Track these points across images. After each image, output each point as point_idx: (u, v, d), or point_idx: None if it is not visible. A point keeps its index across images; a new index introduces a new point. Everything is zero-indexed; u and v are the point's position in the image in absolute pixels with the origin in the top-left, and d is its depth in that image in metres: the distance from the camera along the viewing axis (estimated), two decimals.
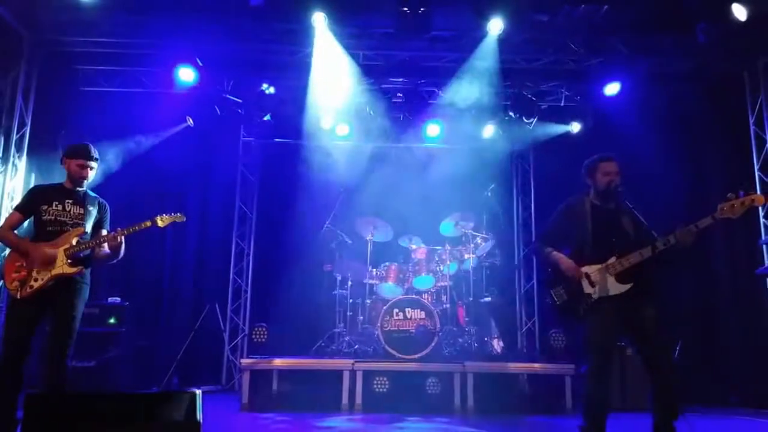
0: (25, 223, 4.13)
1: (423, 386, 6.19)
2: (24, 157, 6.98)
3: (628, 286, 3.79)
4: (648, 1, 6.47)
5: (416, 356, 6.23)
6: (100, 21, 6.83)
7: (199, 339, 7.84)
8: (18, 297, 3.86)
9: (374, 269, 7.22)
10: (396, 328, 6.36)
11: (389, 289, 7.02)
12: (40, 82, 7.19)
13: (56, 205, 4.05)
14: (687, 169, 7.79)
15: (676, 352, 6.20)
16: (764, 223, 7.04)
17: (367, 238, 7.34)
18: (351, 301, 7.14)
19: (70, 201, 4.10)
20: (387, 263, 7.24)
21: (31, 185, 6.59)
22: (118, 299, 6.78)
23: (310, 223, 7.85)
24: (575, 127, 8.24)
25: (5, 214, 6.43)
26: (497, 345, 7.04)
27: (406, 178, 8.17)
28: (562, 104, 8.25)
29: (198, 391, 3.30)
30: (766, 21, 6.30)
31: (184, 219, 4.31)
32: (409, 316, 6.40)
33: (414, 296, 6.74)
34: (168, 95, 7.84)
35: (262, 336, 6.63)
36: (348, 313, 7.08)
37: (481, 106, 7.85)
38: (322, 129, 8.22)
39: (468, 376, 6.14)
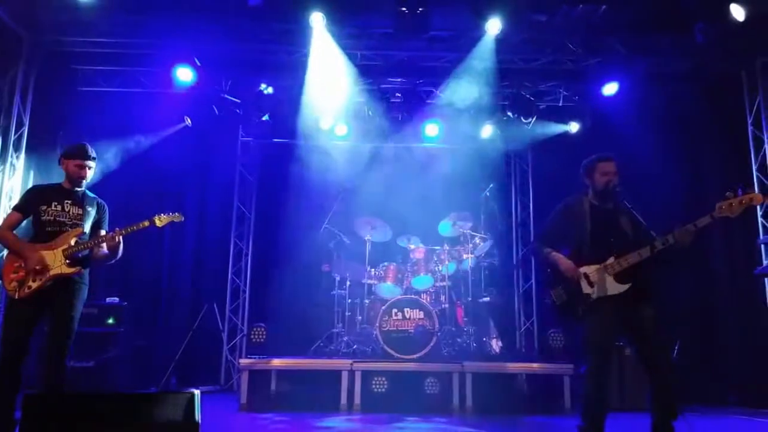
0: (23, 224, 4.13)
1: (421, 386, 6.20)
2: (22, 157, 6.98)
3: (626, 286, 3.79)
4: (646, 1, 6.47)
5: (415, 356, 6.23)
6: (99, 21, 6.83)
7: (198, 339, 7.84)
8: (16, 297, 3.85)
9: (373, 269, 7.22)
10: (395, 328, 6.36)
11: (388, 289, 7.02)
12: (38, 82, 7.18)
13: (55, 206, 4.05)
14: (685, 169, 7.80)
15: (675, 351, 6.21)
16: (762, 223, 7.05)
17: (366, 238, 7.35)
18: (349, 301, 7.14)
19: (69, 201, 4.10)
20: (385, 263, 7.24)
21: (30, 185, 6.59)
22: (117, 299, 6.77)
23: (308, 223, 7.85)
24: (573, 127, 8.26)
25: (3, 214, 6.43)
26: (496, 345, 7.05)
27: (405, 178, 8.17)
28: (560, 104, 8.26)
29: (196, 392, 3.30)
30: (764, 21, 6.31)
31: (183, 219, 4.31)
32: (407, 316, 6.40)
33: (412, 296, 6.74)
34: (166, 95, 7.83)
35: (260, 336, 6.62)
36: (346, 313, 7.08)
37: (480, 106, 7.85)
38: (320, 129, 8.22)
39: (466, 376, 6.14)
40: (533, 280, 8.73)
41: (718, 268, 7.55)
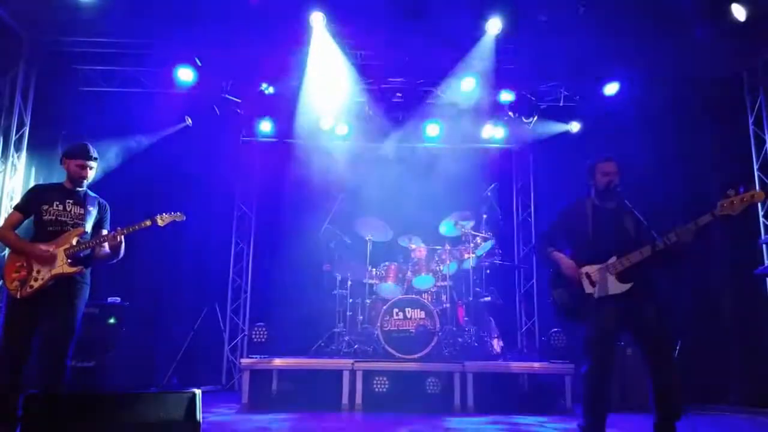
0: (24, 224, 4.13)
1: (423, 386, 6.20)
2: (23, 157, 6.98)
3: (628, 286, 3.80)
4: (647, 0, 6.46)
5: (416, 356, 6.23)
6: (100, 21, 6.82)
7: (199, 339, 7.86)
8: (18, 297, 3.86)
9: (374, 269, 7.22)
10: (396, 328, 6.36)
11: (389, 289, 7.02)
12: (39, 82, 7.18)
13: (57, 205, 4.05)
14: (686, 169, 7.78)
15: (676, 351, 6.20)
16: (764, 223, 7.05)
17: (367, 238, 7.34)
18: (351, 300, 7.13)
19: (71, 201, 4.10)
20: (386, 263, 7.23)
21: (31, 185, 6.59)
22: (118, 299, 6.77)
23: (309, 222, 7.84)
24: (574, 127, 8.26)
25: (5, 214, 6.43)
26: (497, 345, 7.04)
27: (406, 178, 8.17)
28: (561, 104, 8.25)
29: (198, 391, 3.30)
30: (765, 21, 6.30)
31: (184, 218, 4.31)
32: (408, 316, 6.40)
33: (414, 296, 6.74)
34: (167, 95, 7.84)
35: (261, 336, 6.63)
36: (348, 313, 7.07)
37: (481, 105, 7.85)
38: (321, 129, 8.23)
39: (468, 376, 6.14)
40: (534, 280, 8.72)
41: (720, 268, 7.54)
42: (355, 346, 6.70)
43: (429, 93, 8.11)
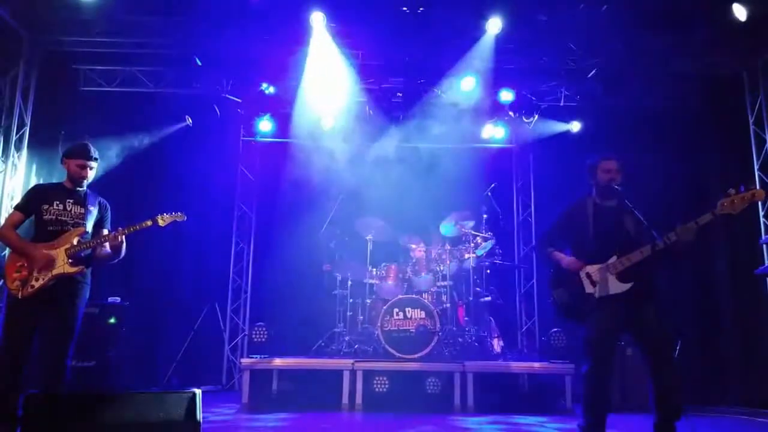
0: (24, 223, 4.13)
1: (423, 386, 6.20)
2: (24, 157, 6.97)
3: (629, 285, 3.80)
4: (647, 0, 6.46)
5: (416, 356, 6.23)
6: (100, 20, 6.83)
7: (199, 339, 7.87)
8: (19, 296, 3.85)
9: (374, 269, 7.22)
10: (396, 328, 6.36)
11: (389, 289, 7.02)
12: (39, 82, 7.17)
13: (57, 205, 4.05)
14: (686, 169, 7.79)
15: (676, 351, 6.20)
16: (764, 223, 7.05)
17: (367, 238, 7.34)
18: (351, 300, 7.13)
19: (71, 201, 4.10)
20: (387, 263, 7.24)
21: (31, 185, 6.59)
22: (118, 299, 6.77)
23: (309, 222, 7.84)
24: (575, 127, 8.26)
25: (5, 214, 6.43)
26: (497, 344, 7.04)
27: (406, 178, 8.16)
28: (561, 104, 8.24)
29: (198, 391, 3.30)
30: (766, 21, 6.30)
31: (185, 218, 4.30)
32: (409, 316, 6.40)
33: (414, 296, 6.74)
34: (167, 95, 7.83)
35: (261, 336, 6.63)
36: (348, 313, 7.07)
37: (481, 105, 7.84)
38: (321, 128, 8.22)
39: (468, 376, 6.14)
40: (534, 280, 8.72)
41: (720, 269, 7.55)
42: (356, 346, 6.70)
43: (429, 93, 8.10)
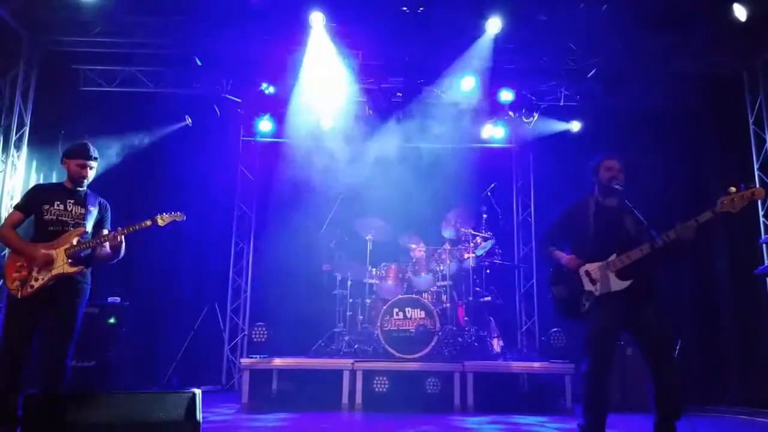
0: (23, 223, 4.14)
1: (423, 386, 6.20)
2: (24, 157, 6.97)
3: (628, 283, 3.80)
4: (647, 0, 6.47)
5: (416, 356, 6.23)
6: (100, 21, 6.83)
7: (199, 339, 7.87)
8: (19, 296, 3.85)
9: (374, 269, 7.22)
10: (396, 328, 6.36)
11: (389, 289, 7.02)
12: (39, 82, 7.18)
13: (57, 205, 4.05)
14: (686, 169, 7.79)
15: (676, 351, 6.21)
16: (764, 222, 7.05)
17: (367, 238, 7.34)
18: (351, 300, 7.14)
19: (72, 201, 4.10)
20: (386, 263, 7.24)
21: (31, 184, 6.59)
22: (118, 299, 6.77)
23: (309, 222, 7.84)
24: (575, 126, 8.26)
25: (5, 214, 6.43)
26: (497, 344, 7.04)
27: (406, 178, 8.15)
28: (561, 104, 8.24)
29: (198, 391, 3.31)
30: (766, 21, 6.31)
31: (185, 218, 4.30)
32: (408, 316, 6.40)
33: (414, 296, 6.74)
34: (167, 95, 7.83)
35: (261, 336, 6.63)
36: (348, 313, 7.08)
37: (480, 105, 7.84)
38: (321, 128, 8.22)
39: (468, 376, 6.14)
40: (534, 280, 8.71)
41: (720, 268, 7.55)
42: (355, 346, 6.70)
43: (429, 93, 8.10)
